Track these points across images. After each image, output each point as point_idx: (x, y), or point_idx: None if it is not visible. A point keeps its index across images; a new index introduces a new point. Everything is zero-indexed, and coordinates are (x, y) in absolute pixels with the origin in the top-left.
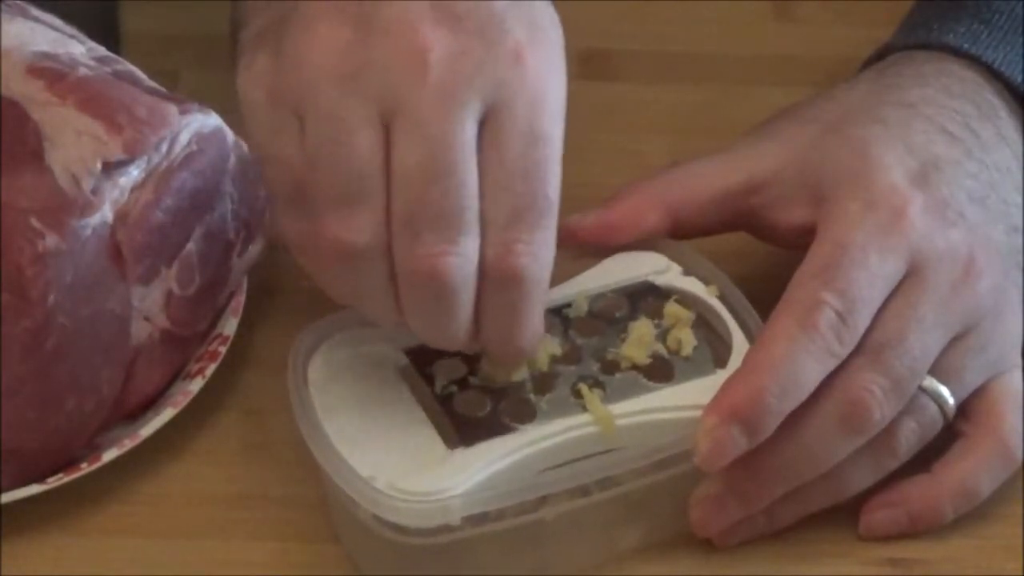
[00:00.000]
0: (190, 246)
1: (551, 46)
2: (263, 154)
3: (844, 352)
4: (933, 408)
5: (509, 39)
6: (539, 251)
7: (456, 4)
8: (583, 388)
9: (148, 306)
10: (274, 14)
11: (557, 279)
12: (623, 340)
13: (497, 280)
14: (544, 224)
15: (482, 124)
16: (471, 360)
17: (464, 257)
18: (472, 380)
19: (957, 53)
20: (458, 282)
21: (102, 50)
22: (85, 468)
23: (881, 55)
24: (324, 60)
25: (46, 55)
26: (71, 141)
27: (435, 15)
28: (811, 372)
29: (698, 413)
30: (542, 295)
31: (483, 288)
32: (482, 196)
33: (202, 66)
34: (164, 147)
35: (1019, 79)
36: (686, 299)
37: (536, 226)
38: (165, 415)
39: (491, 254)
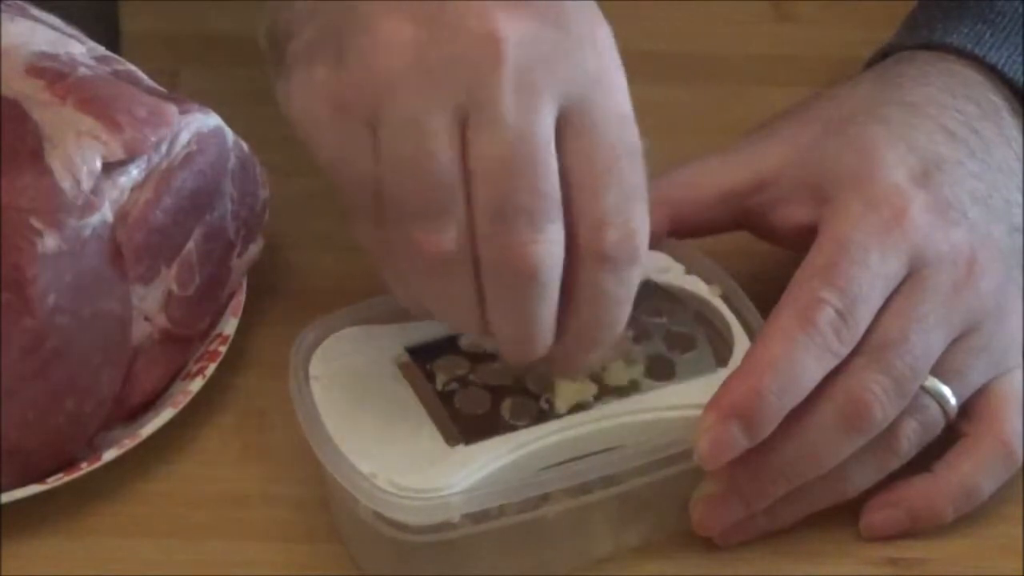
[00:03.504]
0: (190, 246)
1: (608, 29)
2: (334, 169)
3: (844, 350)
4: (935, 408)
5: (579, 23)
6: (647, 231)
7: None
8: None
9: (148, 306)
10: (325, 21)
11: None
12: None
13: (618, 260)
14: (646, 203)
15: (563, 112)
16: (472, 358)
17: (552, 245)
18: (472, 378)
19: (960, 53)
20: (545, 272)
21: (102, 50)
22: (85, 468)
23: (884, 55)
24: (394, 62)
25: (46, 55)
26: (71, 141)
27: (504, 3)
28: (811, 370)
29: (699, 412)
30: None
31: (589, 276)
32: (576, 183)
33: (202, 66)
34: (164, 147)
35: (1022, 79)
36: (688, 298)
37: (643, 204)
38: (165, 415)
39: (610, 239)
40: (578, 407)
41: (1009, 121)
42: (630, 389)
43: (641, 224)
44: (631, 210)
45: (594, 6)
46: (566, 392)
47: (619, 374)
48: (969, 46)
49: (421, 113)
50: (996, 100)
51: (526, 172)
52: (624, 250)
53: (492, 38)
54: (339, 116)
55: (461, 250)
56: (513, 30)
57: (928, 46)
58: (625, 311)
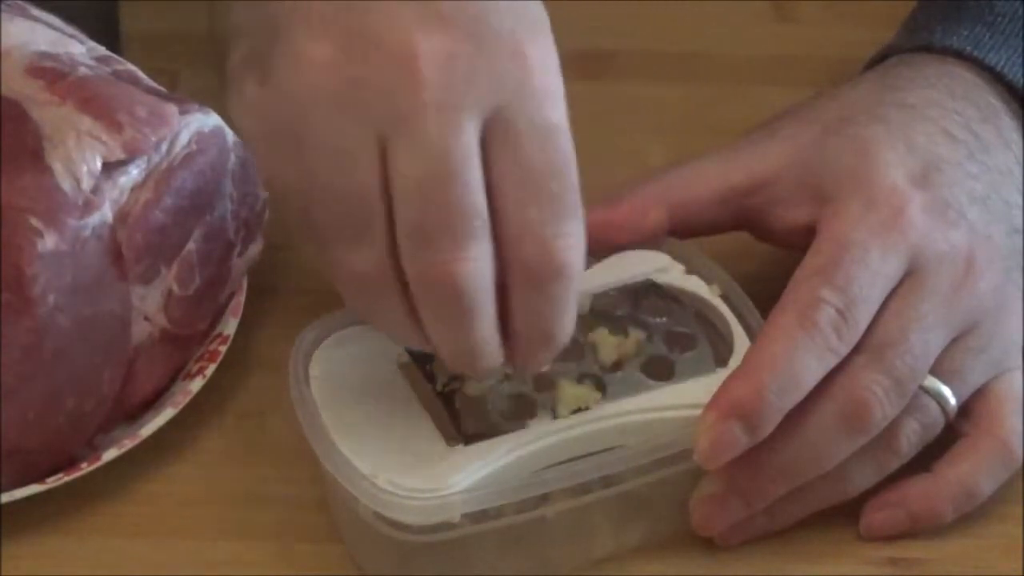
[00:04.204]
0: (190, 246)
1: (542, 31)
2: (269, 186)
3: (844, 349)
4: (935, 408)
5: (503, 35)
6: (578, 241)
7: (442, 5)
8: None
9: (148, 306)
10: (259, 35)
11: None
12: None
13: (539, 278)
14: (576, 213)
15: (488, 125)
16: None
17: (478, 263)
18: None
19: (959, 56)
20: (474, 288)
21: (102, 50)
22: (85, 468)
23: (883, 57)
24: (313, 83)
25: (46, 55)
26: (71, 141)
27: (422, 20)
28: (811, 369)
29: (699, 412)
30: (577, 286)
31: (519, 290)
32: (502, 197)
33: (202, 66)
34: (164, 147)
35: (1021, 82)
36: (688, 298)
37: (570, 216)
38: (165, 415)
39: (530, 253)
40: (578, 407)
41: (1008, 123)
42: (630, 389)
43: (566, 237)
44: (554, 223)
45: (529, 14)
46: (568, 397)
47: (608, 350)
48: (968, 48)
49: (340, 134)
50: (995, 102)
51: (446, 190)
52: (546, 265)
53: (409, 56)
54: (267, 133)
55: (386, 271)
56: (431, 48)
57: (928, 48)
58: (562, 323)
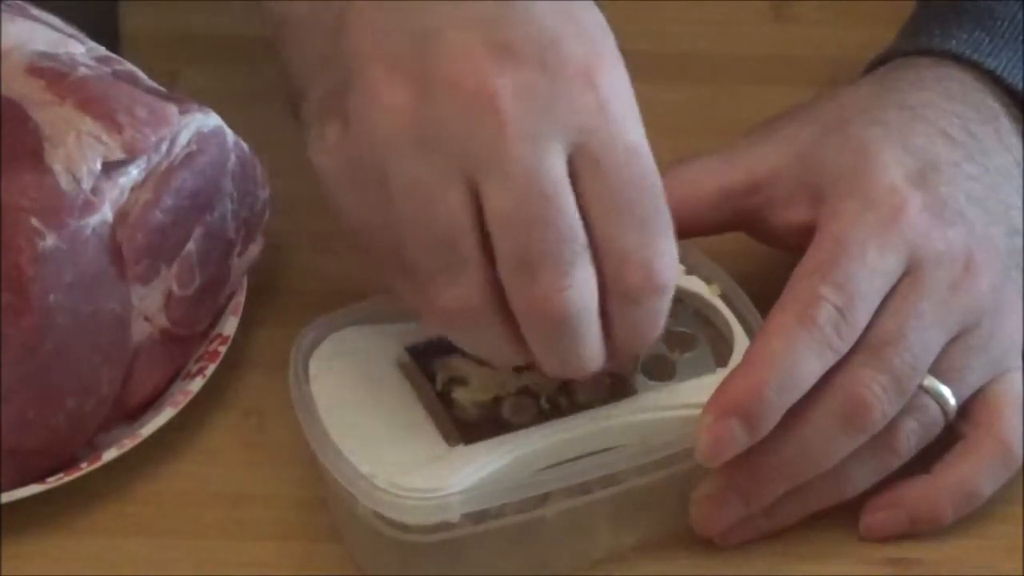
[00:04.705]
0: (190, 246)
1: (610, 51)
2: (355, 226)
3: (843, 347)
4: (934, 408)
5: (572, 61)
6: (672, 258)
7: (510, 35)
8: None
9: (148, 306)
10: (335, 77)
11: None
12: None
13: (640, 297)
14: (668, 230)
15: (573, 153)
16: (473, 357)
17: (580, 288)
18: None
19: (958, 60)
20: (579, 314)
21: (102, 50)
22: (85, 468)
23: (883, 60)
24: (393, 128)
25: (46, 55)
26: (71, 141)
27: (492, 54)
28: (810, 367)
29: (699, 411)
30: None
31: (619, 307)
32: (595, 222)
33: (202, 66)
34: (164, 147)
35: (1020, 85)
36: (688, 298)
37: (663, 234)
38: (165, 415)
39: (630, 275)
40: (579, 407)
41: (1008, 126)
42: (630, 389)
43: (663, 256)
44: (650, 244)
45: (597, 37)
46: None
47: None
48: (968, 52)
49: (425, 176)
50: (995, 105)
51: (542, 220)
52: (646, 286)
53: (486, 94)
54: (351, 175)
55: (485, 305)
56: (505, 83)
57: (927, 52)
58: (656, 330)
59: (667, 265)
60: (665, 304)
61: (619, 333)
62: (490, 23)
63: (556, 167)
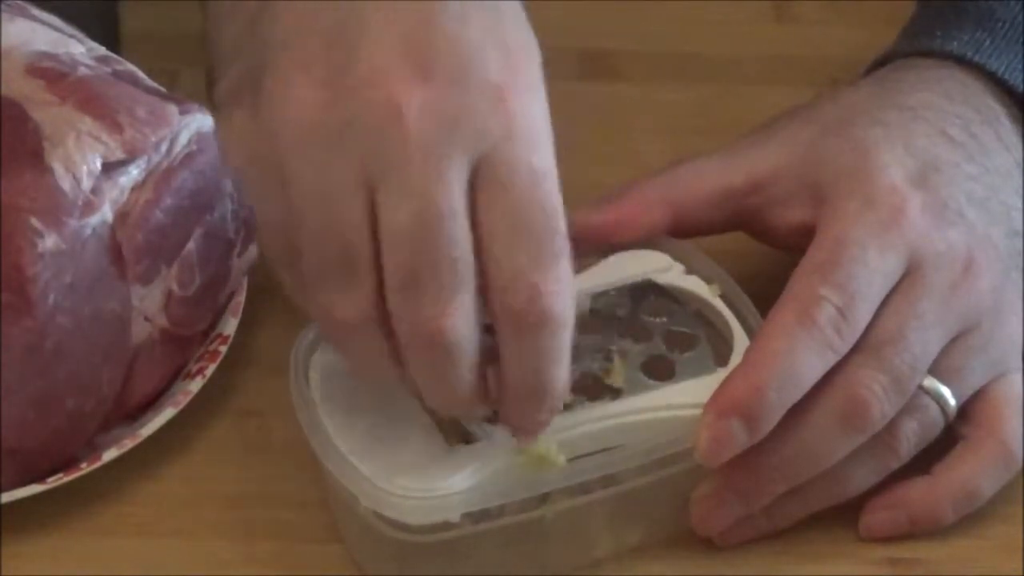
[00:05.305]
0: (190, 246)
1: (530, 69)
2: (255, 215)
3: (844, 347)
4: (934, 408)
5: (487, 79)
6: (564, 289)
7: (428, 48)
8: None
9: (148, 306)
10: (247, 64)
11: None
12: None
13: (526, 326)
14: (562, 261)
15: (475, 172)
16: None
17: (464, 314)
18: None
19: (959, 61)
20: (461, 340)
21: (102, 50)
22: (85, 468)
23: (883, 61)
24: (300, 122)
25: (46, 55)
26: (71, 141)
27: (407, 64)
28: (810, 366)
29: (699, 411)
30: (570, 335)
31: (508, 340)
32: (488, 242)
33: (202, 66)
34: (164, 147)
35: (1021, 86)
36: (688, 298)
37: (556, 264)
38: (165, 415)
39: (514, 301)
40: (577, 407)
41: (1008, 127)
42: (629, 390)
43: (553, 283)
44: (541, 268)
45: (517, 58)
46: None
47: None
48: (968, 53)
49: (326, 174)
50: (995, 106)
51: (432, 242)
52: (531, 310)
53: (393, 105)
54: (254, 165)
55: (371, 316)
56: (413, 94)
57: (928, 53)
58: (553, 374)
59: (555, 293)
60: (559, 342)
61: (510, 368)
62: (412, 29)
63: (454, 187)
